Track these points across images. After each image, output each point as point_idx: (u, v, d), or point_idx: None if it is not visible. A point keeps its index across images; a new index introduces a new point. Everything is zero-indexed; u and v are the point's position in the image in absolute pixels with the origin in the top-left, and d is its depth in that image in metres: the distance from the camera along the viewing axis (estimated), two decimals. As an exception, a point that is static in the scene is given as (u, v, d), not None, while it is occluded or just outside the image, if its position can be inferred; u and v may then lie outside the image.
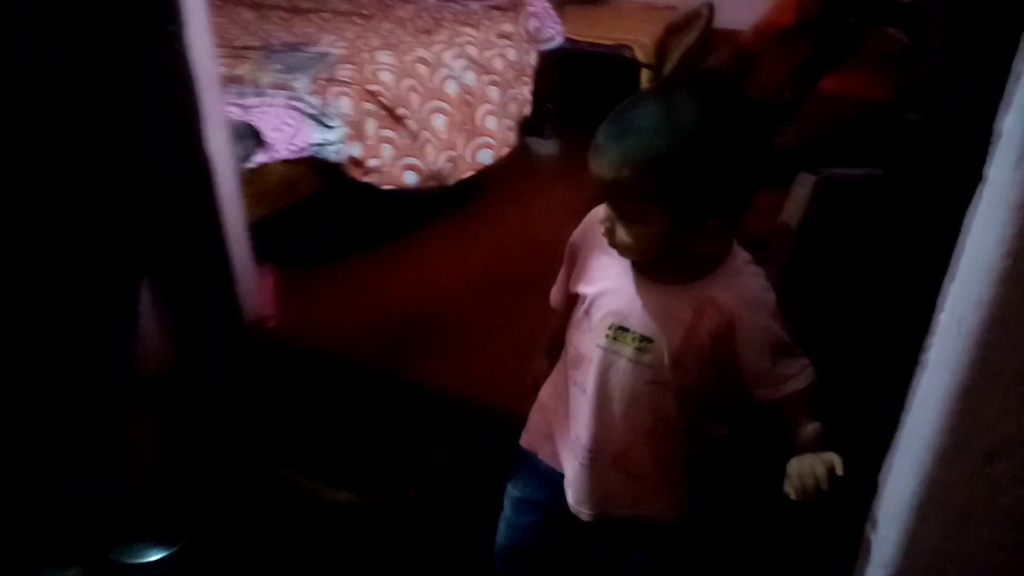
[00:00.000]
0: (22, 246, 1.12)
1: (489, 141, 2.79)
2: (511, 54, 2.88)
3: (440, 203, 2.80)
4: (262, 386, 1.58)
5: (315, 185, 2.29)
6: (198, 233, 1.33)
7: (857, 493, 0.94)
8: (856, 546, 0.94)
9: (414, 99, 2.53)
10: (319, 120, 2.21)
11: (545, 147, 3.47)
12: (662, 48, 3.30)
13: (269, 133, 2.04)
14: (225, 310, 1.40)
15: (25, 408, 1.32)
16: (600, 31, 3.32)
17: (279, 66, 2.40)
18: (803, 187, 1.43)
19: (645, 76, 3.26)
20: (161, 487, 1.41)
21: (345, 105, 2.29)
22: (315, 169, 2.28)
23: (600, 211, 1.02)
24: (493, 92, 2.81)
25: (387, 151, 2.48)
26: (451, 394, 1.89)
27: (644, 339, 1.04)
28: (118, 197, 1.18)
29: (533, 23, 3.04)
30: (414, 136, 2.52)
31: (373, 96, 2.39)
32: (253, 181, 1.92)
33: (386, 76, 2.46)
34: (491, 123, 2.79)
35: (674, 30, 3.38)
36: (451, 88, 2.66)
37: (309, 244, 2.46)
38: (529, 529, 1.29)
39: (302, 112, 2.19)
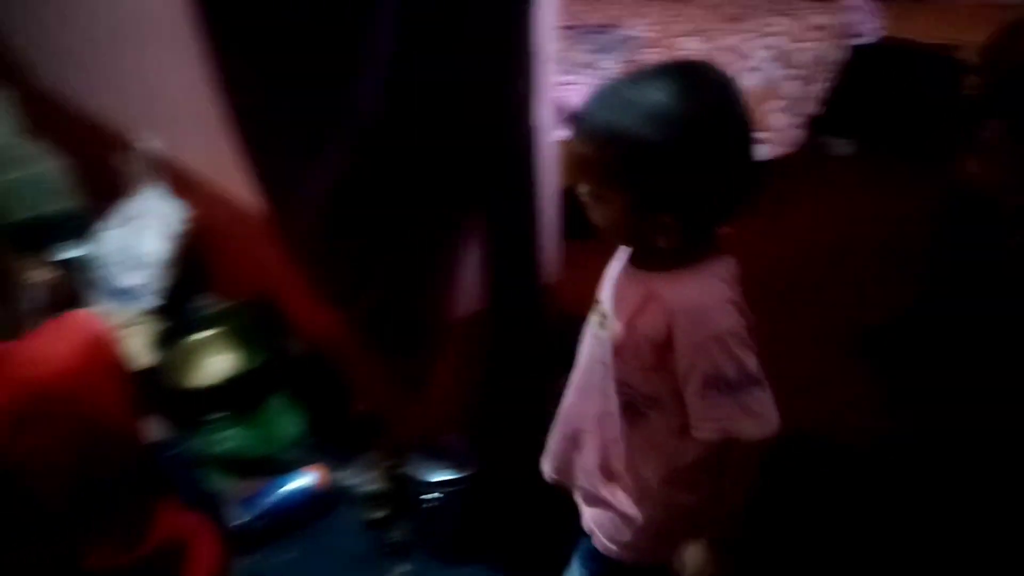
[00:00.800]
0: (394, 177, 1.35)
1: (769, 137, 2.72)
2: (819, 48, 2.78)
3: None
4: (548, 344, 1.71)
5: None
6: (519, 190, 1.47)
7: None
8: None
9: (714, 87, 2.54)
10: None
11: (842, 147, 3.31)
12: (996, 51, 2.98)
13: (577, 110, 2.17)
14: (531, 266, 1.54)
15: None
16: (923, 28, 3.07)
17: (589, 46, 2.52)
18: None
19: (970, 80, 2.97)
20: (458, 419, 1.60)
21: (649, 88, 2.36)
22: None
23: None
24: (791, 87, 2.74)
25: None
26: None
27: (604, 314, 1.04)
28: (462, 150, 1.35)
29: (850, 17, 2.90)
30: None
31: (677, 81, 2.43)
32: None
33: (692, 62, 2.48)
34: (777, 120, 2.72)
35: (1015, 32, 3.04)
36: (750, 80, 2.63)
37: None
38: None
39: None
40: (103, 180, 2.63)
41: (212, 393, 1.91)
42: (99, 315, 2.06)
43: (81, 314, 1.21)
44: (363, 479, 1.70)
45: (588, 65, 2.41)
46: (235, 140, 1.68)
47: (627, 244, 1.01)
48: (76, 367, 1.08)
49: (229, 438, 1.83)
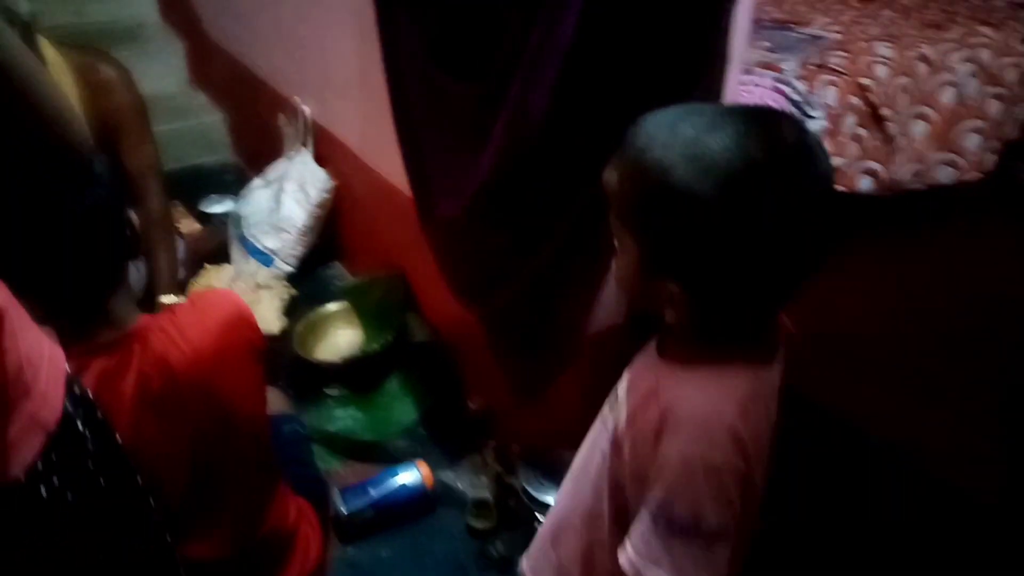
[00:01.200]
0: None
1: (956, 160, 2.42)
2: (1033, 64, 2.45)
3: (881, 213, 2.48)
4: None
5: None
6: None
7: None
8: None
9: (902, 100, 2.28)
10: (801, 108, 2.10)
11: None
12: None
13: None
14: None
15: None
16: None
17: (767, 44, 2.32)
18: None
19: None
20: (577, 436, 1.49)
21: (831, 96, 2.15)
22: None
23: None
24: (993, 107, 2.43)
25: (852, 150, 2.29)
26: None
27: (617, 395, 0.86)
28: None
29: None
30: (888, 140, 2.29)
31: (862, 90, 2.20)
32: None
33: (881, 71, 2.24)
34: (971, 141, 2.42)
35: None
36: (947, 95, 2.35)
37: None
38: None
39: (786, 97, 2.10)
40: (259, 138, 2.69)
41: (335, 368, 1.89)
42: (239, 291, 2.13)
43: (223, 292, 1.16)
44: (469, 483, 1.63)
45: (767, 66, 2.21)
46: (394, 118, 1.63)
47: (635, 307, 0.86)
48: (213, 351, 1.02)
49: (344, 417, 1.81)
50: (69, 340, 0.87)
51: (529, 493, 1.47)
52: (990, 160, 2.47)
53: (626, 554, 0.78)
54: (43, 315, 0.92)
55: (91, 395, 0.84)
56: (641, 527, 0.77)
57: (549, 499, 1.43)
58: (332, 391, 1.88)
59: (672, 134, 0.71)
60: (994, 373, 1.95)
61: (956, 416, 1.83)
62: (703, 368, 0.77)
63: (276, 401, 1.63)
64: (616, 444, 0.84)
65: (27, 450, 0.71)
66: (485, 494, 1.60)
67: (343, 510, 1.53)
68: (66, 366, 0.80)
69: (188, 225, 2.52)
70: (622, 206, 0.76)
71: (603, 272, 1.44)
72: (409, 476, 1.59)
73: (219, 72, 2.96)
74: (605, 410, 0.91)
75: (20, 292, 0.89)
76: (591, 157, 1.25)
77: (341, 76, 2.03)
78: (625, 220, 0.76)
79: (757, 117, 0.72)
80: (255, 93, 2.62)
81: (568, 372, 1.50)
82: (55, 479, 0.73)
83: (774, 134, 0.70)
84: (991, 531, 1.58)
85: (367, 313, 2.01)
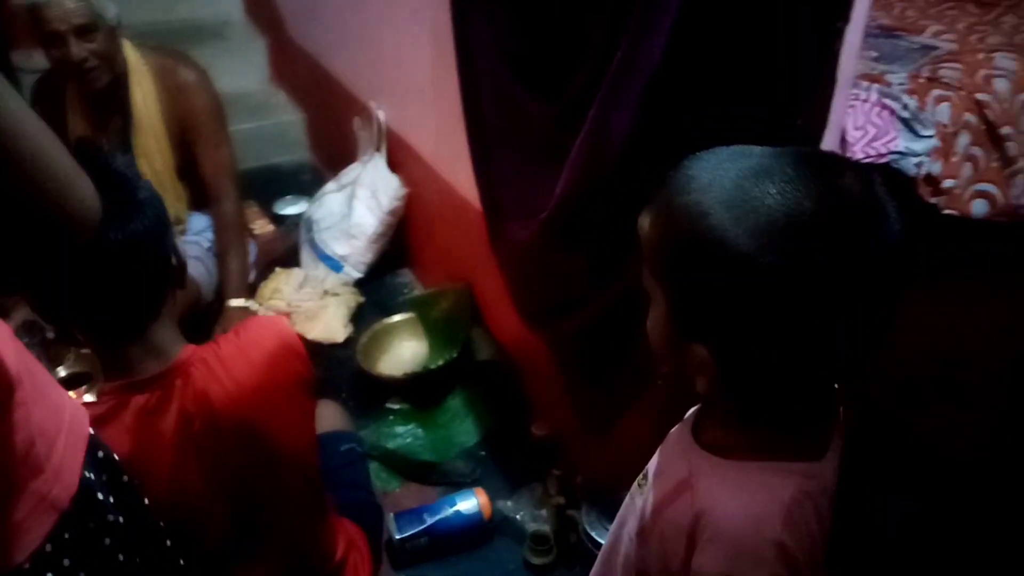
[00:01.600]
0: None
1: None
2: None
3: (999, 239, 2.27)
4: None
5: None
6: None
7: None
8: None
9: (1024, 119, 2.07)
10: (910, 126, 1.93)
11: None
12: None
13: (851, 131, 1.84)
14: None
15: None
16: None
17: (873, 53, 2.14)
18: None
19: None
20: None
21: (944, 113, 1.96)
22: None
23: None
24: None
25: (966, 171, 2.09)
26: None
27: (647, 474, 0.78)
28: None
29: None
30: (1008, 161, 2.08)
31: (979, 107, 2.01)
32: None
33: (1001, 85, 2.04)
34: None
35: None
36: (1074, 116, 2.12)
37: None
38: None
39: (893, 113, 1.93)
40: (335, 140, 2.67)
41: (397, 383, 1.83)
42: (306, 296, 2.10)
43: (268, 321, 1.10)
44: (529, 514, 1.55)
45: (872, 78, 2.04)
46: (468, 133, 1.57)
47: (665, 370, 0.73)
48: (256, 386, 0.96)
49: (404, 434, 1.75)
50: (111, 371, 0.83)
51: (589, 532, 1.37)
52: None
53: None
54: (86, 342, 0.89)
55: (117, 457, 0.79)
56: None
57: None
58: (393, 405, 1.83)
59: (713, 176, 0.62)
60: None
61: None
62: (743, 462, 0.67)
63: (334, 417, 1.59)
64: (643, 533, 0.75)
65: (35, 533, 0.66)
66: (545, 528, 1.51)
67: (396, 536, 1.47)
68: (88, 430, 0.75)
69: (262, 226, 2.52)
70: (651, 254, 0.67)
71: None
72: (466, 504, 1.52)
73: (299, 72, 2.96)
74: (634, 488, 0.81)
75: (61, 320, 0.85)
76: None
77: (416, 83, 1.97)
78: (654, 270, 0.68)
79: (816, 162, 0.62)
80: (332, 95, 2.59)
81: (638, 405, 1.40)
82: (66, 561, 0.67)
83: (832, 183, 0.60)
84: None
85: (432, 327, 1.95)
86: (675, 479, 0.71)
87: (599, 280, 1.32)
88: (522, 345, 1.75)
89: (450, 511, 1.51)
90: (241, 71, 3.07)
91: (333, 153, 2.71)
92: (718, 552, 0.64)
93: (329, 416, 1.57)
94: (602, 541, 1.35)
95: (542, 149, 1.31)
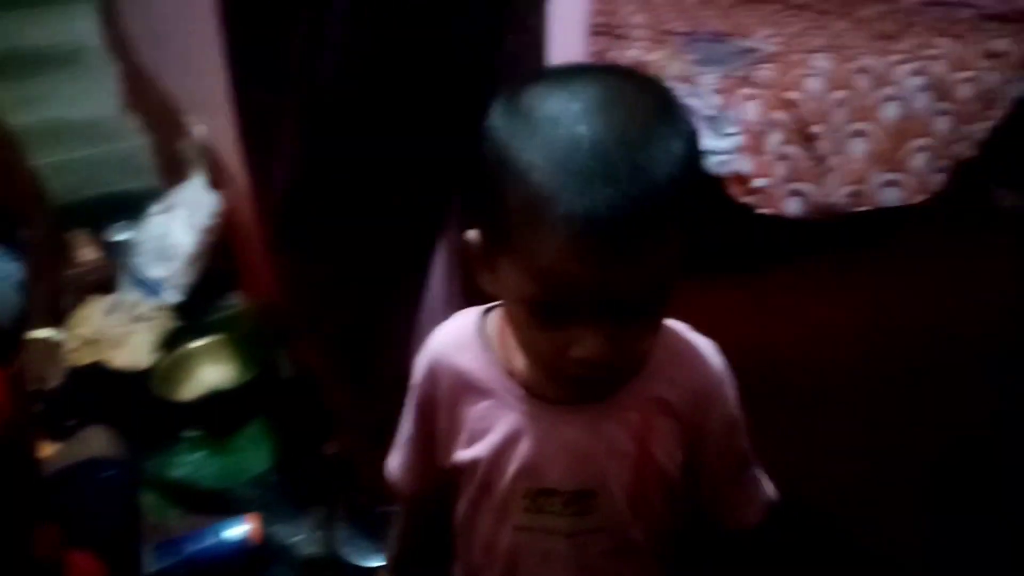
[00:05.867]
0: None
1: (902, 180, 2.19)
2: (989, 80, 2.23)
3: (833, 234, 2.25)
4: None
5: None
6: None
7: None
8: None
9: (838, 116, 2.09)
10: (713, 124, 1.92)
11: (1008, 199, 2.69)
12: None
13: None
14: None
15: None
16: None
17: (694, 56, 2.14)
18: None
19: None
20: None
21: (751, 111, 1.96)
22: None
23: (457, 334, 0.74)
24: (941, 124, 2.21)
25: (779, 170, 2.09)
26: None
27: (581, 495, 0.69)
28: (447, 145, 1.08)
29: (1039, 44, 2.32)
30: (819, 160, 2.09)
31: (789, 105, 2.01)
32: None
33: (813, 84, 2.05)
34: (918, 160, 2.19)
35: None
36: (890, 111, 2.14)
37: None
38: None
39: (698, 112, 1.92)
40: (175, 163, 2.58)
41: (188, 408, 1.73)
42: (113, 323, 1.98)
43: None
44: (305, 537, 1.45)
45: (684, 79, 2.03)
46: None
47: None
48: None
49: (190, 463, 1.65)
50: None
51: (347, 561, 1.28)
52: (938, 180, 2.23)
53: (751, 515, 0.76)
54: None
55: None
56: (743, 486, 0.76)
57: (371, 563, 1.25)
58: (190, 434, 1.72)
59: (641, 147, 0.58)
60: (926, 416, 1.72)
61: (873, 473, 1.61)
62: (667, 348, 0.72)
63: (98, 443, 1.48)
64: (637, 509, 0.74)
65: None
66: (319, 552, 1.42)
67: (148, 569, 1.36)
68: None
69: (87, 254, 2.40)
70: (653, 260, 0.62)
71: (444, 287, 1.28)
72: (234, 531, 1.42)
73: (146, 96, 2.86)
74: (567, 549, 0.75)
75: None
76: (404, 146, 1.11)
77: (222, 93, 1.90)
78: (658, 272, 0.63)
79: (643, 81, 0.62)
80: (169, 116, 2.51)
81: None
82: None
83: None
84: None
85: (239, 347, 1.86)
86: (628, 435, 0.70)
87: (345, 270, 1.26)
88: (321, 361, 1.67)
89: (213, 540, 1.40)
90: (93, 97, 2.97)
91: (174, 176, 2.62)
92: (720, 402, 0.73)
93: (92, 442, 1.47)
94: (354, 562, 1.27)
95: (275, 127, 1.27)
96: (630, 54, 2.15)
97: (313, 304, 1.36)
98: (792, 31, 2.40)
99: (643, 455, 0.69)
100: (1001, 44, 2.25)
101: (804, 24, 2.50)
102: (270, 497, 1.59)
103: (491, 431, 0.71)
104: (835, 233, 2.19)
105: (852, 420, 1.73)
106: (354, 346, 1.35)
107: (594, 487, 0.70)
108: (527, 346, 0.64)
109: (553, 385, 0.67)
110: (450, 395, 0.74)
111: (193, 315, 2.10)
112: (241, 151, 1.52)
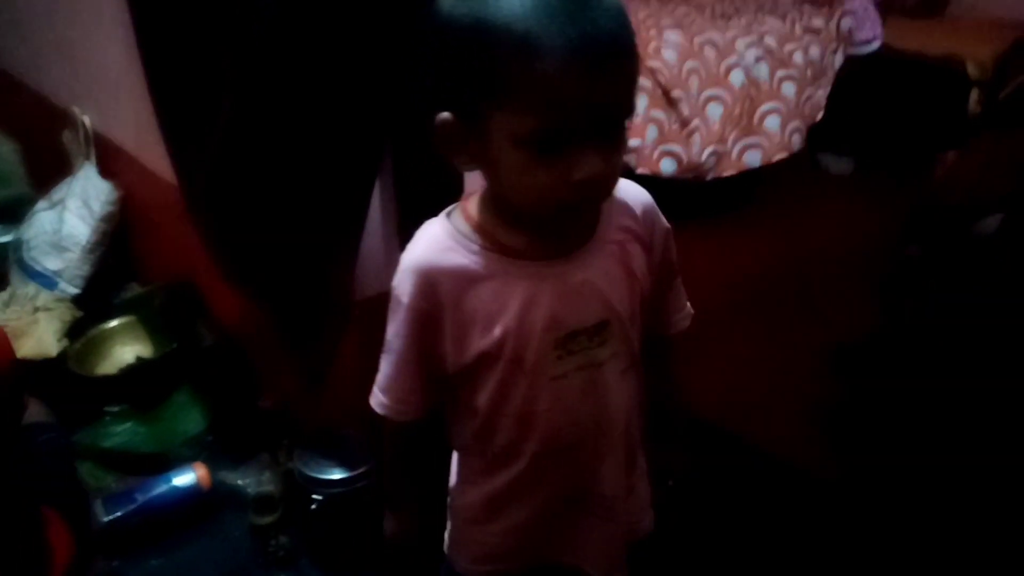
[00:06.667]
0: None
1: (761, 142, 2.52)
2: (814, 51, 2.60)
3: (700, 200, 2.56)
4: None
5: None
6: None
7: None
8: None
9: (693, 83, 2.37)
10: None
11: (838, 164, 3.12)
12: (1003, 66, 2.80)
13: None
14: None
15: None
16: (926, 40, 2.89)
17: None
18: None
19: (974, 96, 2.79)
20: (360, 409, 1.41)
21: (618, 77, 2.20)
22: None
23: (435, 241, 0.79)
24: (788, 89, 2.55)
25: (651, 133, 2.35)
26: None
27: (599, 327, 0.80)
28: (365, 96, 1.19)
29: (848, 22, 2.73)
30: (684, 123, 2.37)
31: (651, 73, 2.27)
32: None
33: (669, 54, 2.33)
34: (772, 123, 2.52)
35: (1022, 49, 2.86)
36: (736, 78, 2.45)
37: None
38: None
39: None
40: (49, 161, 2.50)
41: (110, 383, 1.74)
42: (13, 315, 1.93)
43: None
44: (255, 480, 1.51)
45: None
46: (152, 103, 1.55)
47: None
48: None
49: (122, 432, 1.66)
50: None
51: (305, 477, 1.36)
52: (796, 141, 2.58)
53: (683, 321, 0.94)
54: None
55: None
56: (677, 291, 0.94)
57: (329, 475, 1.34)
58: (112, 408, 1.72)
59: None
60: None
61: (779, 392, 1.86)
62: None
63: (33, 410, 1.49)
64: (633, 324, 0.85)
65: None
66: (268, 488, 1.48)
67: (103, 519, 1.38)
68: None
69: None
70: (632, 90, 0.72)
71: (362, 232, 1.37)
72: (181, 479, 1.46)
73: (9, 99, 2.76)
74: (604, 377, 0.83)
75: None
76: (325, 99, 1.20)
77: (112, 78, 1.92)
78: (632, 103, 0.73)
79: None
80: (40, 113, 2.44)
81: (343, 345, 1.42)
82: None
83: None
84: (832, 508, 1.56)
85: (152, 324, 1.87)
86: (613, 259, 0.81)
87: (272, 224, 1.33)
88: (248, 323, 1.72)
89: (163, 487, 1.44)
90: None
91: (50, 176, 2.54)
92: (658, 217, 0.87)
93: (28, 409, 1.46)
94: (319, 476, 1.35)
95: (197, 91, 1.33)
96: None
97: (243, 261, 1.42)
98: (641, 17, 2.68)
99: (629, 276, 0.81)
100: (818, 21, 2.64)
101: (649, 11, 2.79)
102: (210, 453, 1.63)
103: (507, 305, 0.77)
104: (708, 196, 2.49)
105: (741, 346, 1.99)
106: (289, 295, 1.42)
107: (606, 316, 0.80)
108: (527, 188, 0.70)
109: (551, 227, 0.75)
110: (453, 294, 0.77)
111: (95, 304, 2.07)
112: (159, 122, 1.55)
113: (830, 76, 2.67)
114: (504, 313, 0.77)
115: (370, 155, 1.32)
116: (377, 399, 0.86)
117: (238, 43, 1.22)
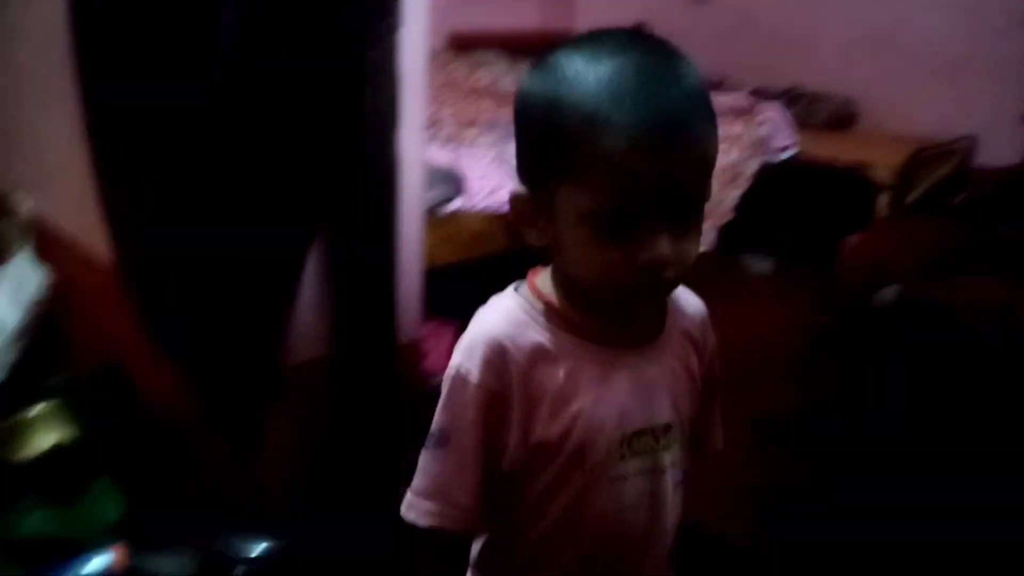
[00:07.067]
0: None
1: None
2: (731, 157, 2.79)
3: None
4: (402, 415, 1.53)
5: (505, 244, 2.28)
6: (374, 215, 1.33)
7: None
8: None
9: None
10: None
11: (760, 264, 3.28)
12: (907, 173, 3.03)
13: (473, 180, 2.10)
14: (385, 309, 1.38)
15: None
16: (837, 149, 3.14)
17: (501, 132, 2.50)
18: None
19: (883, 200, 3.00)
20: (283, 481, 1.39)
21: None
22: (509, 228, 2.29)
23: (509, 315, 0.74)
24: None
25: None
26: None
27: (665, 428, 0.76)
28: (304, 162, 1.24)
29: (764, 130, 2.94)
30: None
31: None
32: (445, 225, 1.97)
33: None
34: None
35: (925, 158, 3.11)
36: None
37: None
38: None
39: (509, 171, 2.24)
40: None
41: (26, 468, 1.66)
42: None
43: None
44: (173, 561, 1.45)
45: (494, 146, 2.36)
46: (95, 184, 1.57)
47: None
48: None
49: (33, 521, 1.57)
50: None
51: (224, 555, 1.31)
52: (709, 239, 2.71)
53: (719, 442, 0.89)
54: None
55: None
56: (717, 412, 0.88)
57: (248, 552, 1.30)
58: (25, 496, 1.64)
59: (679, 91, 0.69)
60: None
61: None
62: None
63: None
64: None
65: None
66: (188, 570, 1.42)
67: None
68: None
69: None
70: (703, 182, 0.72)
71: (298, 297, 1.39)
72: (95, 564, 1.39)
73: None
74: (663, 482, 0.78)
75: None
76: (263, 158, 1.24)
77: (54, 162, 1.94)
78: (704, 194, 0.73)
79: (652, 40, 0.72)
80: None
81: (275, 415, 1.41)
82: None
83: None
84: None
85: (75, 411, 1.81)
86: (676, 360, 0.80)
87: (205, 287, 1.34)
88: (180, 403, 1.68)
89: (74, 573, 1.36)
90: None
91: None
92: (710, 331, 0.85)
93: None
94: (241, 554, 1.30)
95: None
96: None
97: (178, 331, 1.42)
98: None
99: (692, 381, 0.79)
100: (736, 128, 2.84)
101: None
102: (131, 538, 1.55)
103: (580, 389, 0.72)
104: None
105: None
106: (220, 360, 1.42)
107: (673, 418, 0.76)
108: (592, 266, 0.68)
109: (618, 312, 0.73)
110: (525, 373, 0.72)
111: (18, 392, 2.00)
112: (100, 201, 1.57)
113: (744, 181, 2.85)
114: (576, 398, 0.72)
115: (304, 234, 1.36)
116: (422, 508, 0.74)
117: (182, 121, 1.27)
